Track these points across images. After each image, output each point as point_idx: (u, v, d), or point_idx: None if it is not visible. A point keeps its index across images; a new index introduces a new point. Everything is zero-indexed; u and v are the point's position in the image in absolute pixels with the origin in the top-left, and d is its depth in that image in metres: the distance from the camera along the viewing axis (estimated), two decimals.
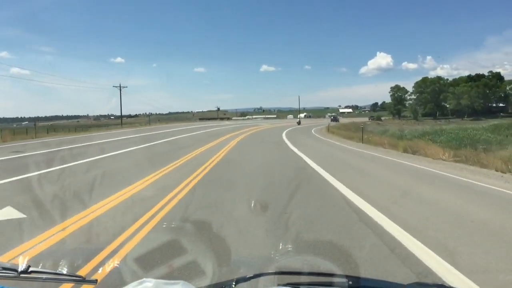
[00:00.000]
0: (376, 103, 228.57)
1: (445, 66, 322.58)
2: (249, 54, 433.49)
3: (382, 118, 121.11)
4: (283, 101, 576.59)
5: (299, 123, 75.28)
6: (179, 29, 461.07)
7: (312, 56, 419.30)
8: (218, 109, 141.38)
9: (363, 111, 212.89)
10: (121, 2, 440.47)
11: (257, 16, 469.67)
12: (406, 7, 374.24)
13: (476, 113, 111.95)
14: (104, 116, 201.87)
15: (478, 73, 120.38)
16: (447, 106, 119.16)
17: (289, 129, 53.98)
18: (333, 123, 69.95)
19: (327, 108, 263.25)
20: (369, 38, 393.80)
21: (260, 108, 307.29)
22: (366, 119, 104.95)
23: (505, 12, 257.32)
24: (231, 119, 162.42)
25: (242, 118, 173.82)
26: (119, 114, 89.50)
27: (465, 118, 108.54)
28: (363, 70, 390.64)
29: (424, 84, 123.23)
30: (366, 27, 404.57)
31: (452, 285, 3.22)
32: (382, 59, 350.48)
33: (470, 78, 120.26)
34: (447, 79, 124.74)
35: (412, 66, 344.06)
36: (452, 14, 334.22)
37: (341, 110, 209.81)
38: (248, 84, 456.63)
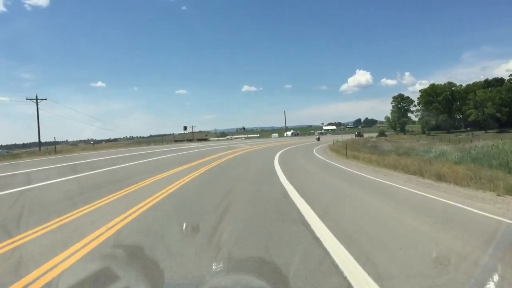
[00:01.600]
0: (359, 119, 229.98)
1: (423, 81, 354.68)
2: (231, 74, 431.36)
3: (386, 133, 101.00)
4: (265, 121, 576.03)
5: (318, 139, 69.30)
6: (160, 51, 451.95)
7: (292, 75, 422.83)
8: (185, 127, 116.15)
9: (346, 127, 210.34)
10: (100, 26, 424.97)
11: (238, 37, 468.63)
12: (384, 24, 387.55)
13: (499, 124, 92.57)
14: (84, 140, 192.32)
15: (496, 77, 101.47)
16: (467, 116, 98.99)
17: (283, 151, 40.36)
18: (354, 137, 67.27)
19: (310, 126, 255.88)
20: (348, 55, 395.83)
21: (243, 128, 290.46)
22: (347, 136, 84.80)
23: (480, 27, 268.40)
24: (209, 139, 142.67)
25: (221, 138, 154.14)
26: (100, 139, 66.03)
27: (490, 131, 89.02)
28: (343, 87, 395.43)
29: (433, 92, 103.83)
30: (345, 45, 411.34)
31: None
32: (362, 76, 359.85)
33: (487, 83, 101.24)
34: (461, 85, 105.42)
35: (391, 82, 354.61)
36: (429, 30, 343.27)
37: (324, 128, 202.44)
38: (230, 105, 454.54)
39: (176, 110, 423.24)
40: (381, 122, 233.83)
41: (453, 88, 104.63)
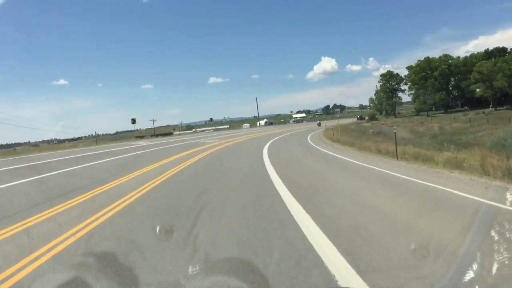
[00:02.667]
0: (328, 106, 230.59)
1: (387, 66, 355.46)
2: (197, 67, 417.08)
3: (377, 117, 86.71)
4: (234, 112, 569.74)
5: (319, 124, 63.25)
6: (123, 46, 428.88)
7: (259, 65, 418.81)
8: (133, 120, 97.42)
9: (316, 114, 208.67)
10: (60, 22, 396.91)
11: (203, 29, 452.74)
12: (347, 10, 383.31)
13: (505, 100, 79.74)
14: (47, 141, 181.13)
15: (498, 46, 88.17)
16: (466, 93, 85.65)
17: (269, 147, 27.48)
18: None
19: (279, 115, 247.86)
20: (313, 43, 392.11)
21: (210, 120, 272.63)
22: (333, 122, 69.42)
23: (439, 10, 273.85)
24: (173, 134, 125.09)
25: (187, 132, 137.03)
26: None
27: (500, 108, 75.97)
28: (309, 75, 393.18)
29: (428, 66, 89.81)
30: (310, 32, 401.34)
31: None
32: (327, 63, 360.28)
33: (488, 54, 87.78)
34: (458, 57, 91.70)
35: (356, 68, 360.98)
36: (390, 15, 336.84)
37: (294, 116, 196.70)
38: (197, 97, 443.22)
39: (143, 105, 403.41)
40: (350, 108, 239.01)
41: (450, 61, 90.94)
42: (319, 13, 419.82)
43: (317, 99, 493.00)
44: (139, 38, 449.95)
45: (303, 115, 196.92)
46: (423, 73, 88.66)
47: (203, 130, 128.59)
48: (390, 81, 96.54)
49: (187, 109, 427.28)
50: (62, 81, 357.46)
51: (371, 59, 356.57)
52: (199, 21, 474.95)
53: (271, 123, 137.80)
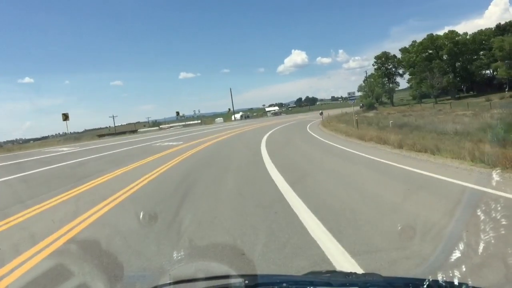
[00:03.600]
0: (300, 98, 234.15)
1: (356, 58, 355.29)
2: (167, 62, 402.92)
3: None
4: (206, 107, 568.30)
5: (321, 113, 48.89)
6: (90, 42, 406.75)
7: (230, 59, 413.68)
8: (66, 117, 79.67)
9: (289, 107, 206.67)
10: (24, 19, 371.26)
11: (171, 24, 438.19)
12: (315, 3, 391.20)
13: None
14: (11, 141, 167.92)
15: (510, 20, 75.79)
16: (475, 75, 73.13)
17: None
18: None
19: (251, 108, 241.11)
20: (283, 36, 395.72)
21: (183, 116, 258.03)
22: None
23: (406, 2, 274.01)
24: (137, 131, 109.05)
25: (152, 129, 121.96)
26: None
27: None
28: (280, 68, 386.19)
29: (432, 45, 76.77)
30: (279, 26, 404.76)
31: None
32: (297, 56, 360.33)
33: (501, 30, 75.28)
34: (465, 33, 78.51)
35: (326, 60, 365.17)
36: (358, 7, 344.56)
37: (267, 109, 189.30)
38: (168, 93, 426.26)
39: (112, 102, 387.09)
40: (322, 100, 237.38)
41: (457, 38, 78.21)
42: (288, 6, 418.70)
43: (288, 92, 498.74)
44: (107, 34, 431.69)
45: (276, 108, 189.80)
46: (426, 53, 75.73)
47: (170, 127, 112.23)
48: (385, 64, 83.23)
49: (158, 105, 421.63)
50: (27, 79, 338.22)
51: (340, 51, 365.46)
52: (167, 15, 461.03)
53: (248, 117, 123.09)
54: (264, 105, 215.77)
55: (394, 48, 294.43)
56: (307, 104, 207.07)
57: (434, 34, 79.01)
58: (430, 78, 71.62)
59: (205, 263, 3.91)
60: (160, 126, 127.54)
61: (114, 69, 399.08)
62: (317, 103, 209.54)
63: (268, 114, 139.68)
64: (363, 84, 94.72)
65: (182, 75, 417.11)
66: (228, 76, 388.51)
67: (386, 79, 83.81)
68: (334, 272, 1.71)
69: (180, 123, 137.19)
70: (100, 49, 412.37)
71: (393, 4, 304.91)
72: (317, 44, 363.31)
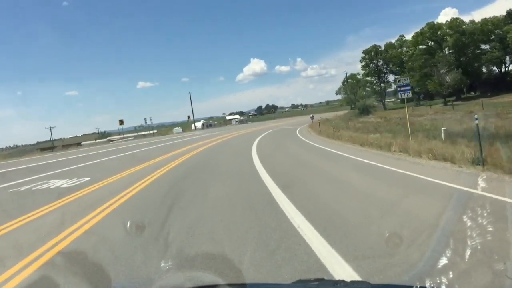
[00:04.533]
0: (261, 107, 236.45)
1: (314, 66, 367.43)
2: (124, 71, 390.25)
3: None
4: (165, 116, 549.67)
5: (312, 117, 42.85)
6: (43, 53, 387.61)
7: (189, 68, 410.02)
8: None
9: (250, 115, 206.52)
10: None
11: (127, 33, 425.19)
12: (275, 11, 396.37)
13: None
14: None
15: None
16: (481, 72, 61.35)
17: None
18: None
19: (211, 117, 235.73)
20: (242, 45, 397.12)
21: (141, 126, 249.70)
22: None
23: (361, 12, 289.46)
24: (80, 144, 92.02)
25: (100, 140, 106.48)
26: None
27: None
28: (239, 77, 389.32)
29: (434, 36, 64.15)
30: (238, 34, 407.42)
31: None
32: (256, 65, 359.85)
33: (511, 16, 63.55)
34: (473, 21, 65.43)
35: (284, 68, 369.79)
36: (315, 16, 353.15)
37: (228, 117, 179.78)
38: (126, 103, 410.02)
39: (67, 113, 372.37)
40: (282, 108, 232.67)
41: (464, 26, 65.02)
42: (246, 15, 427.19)
43: (248, 101, 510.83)
44: (61, 43, 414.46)
45: (237, 116, 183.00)
46: (426, 46, 63.03)
47: (121, 139, 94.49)
48: (374, 60, 69.84)
49: (115, 116, 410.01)
50: None
51: (298, 59, 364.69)
52: (122, 26, 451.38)
53: (210, 125, 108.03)
54: (224, 114, 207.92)
55: (349, 56, 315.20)
56: (267, 112, 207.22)
57: (434, 22, 66.40)
58: (438, 74, 58.60)
59: (193, 273, 3.87)
60: (109, 138, 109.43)
61: (70, 78, 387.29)
62: (277, 110, 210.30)
63: (233, 122, 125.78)
64: (343, 86, 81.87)
65: (141, 84, 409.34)
66: (187, 85, 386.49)
67: (376, 77, 70.82)
68: (322, 280, 1.71)
69: (133, 134, 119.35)
70: (55, 59, 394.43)
71: (349, 14, 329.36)
72: (275, 53, 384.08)
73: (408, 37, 69.29)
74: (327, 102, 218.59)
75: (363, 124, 34.62)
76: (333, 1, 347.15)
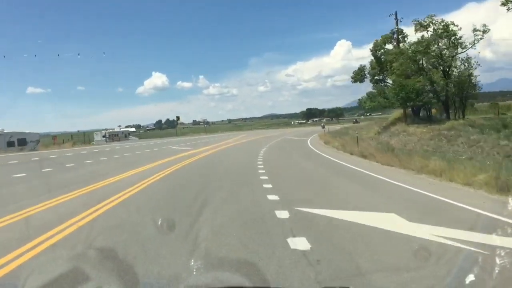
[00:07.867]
0: (160, 121, 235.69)
1: (216, 84, 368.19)
2: (11, 74, 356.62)
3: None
4: (58, 125, 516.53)
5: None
6: None
7: (86, 77, 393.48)
8: None
9: (147, 129, 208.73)
10: None
11: (20, 37, 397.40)
12: (176, 28, 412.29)
13: None
14: None
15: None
16: None
17: None
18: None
19: (106, 129, 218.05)
20: (144, 58, 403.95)
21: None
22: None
23: (264, 37, 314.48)
24: None
25: None
26: None
27: None
28: (140, 90, 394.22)
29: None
30: (141, 47, 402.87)
31: None
32: (158, 79, 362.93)
33: None
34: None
35: (187, 84, 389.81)
36: (220, 36, 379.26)
37: (122, 130, 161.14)
38: (14, 109, 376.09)
39: None
40: (183, 123, 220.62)
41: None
42: (149, 27, 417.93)
43: (148, 114, 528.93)
44: None
45: (133, 129, 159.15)
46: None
47: None
48: (382, 52, 41.29)
49: (4, 122, 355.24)
50: None
51: (201, 77, 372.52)
52: (16, 31, 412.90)
53: (116, 135, 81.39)
54: (119, 126, 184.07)
55: (252, 77, 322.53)
56: (167, 127, 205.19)
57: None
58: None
59: (219, 273, 3.85)
60: None
61: None
62: (178, 126, 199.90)
63: (95, 137, 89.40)
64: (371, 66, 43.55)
65: (30, 89, 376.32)
66: (83, 94, 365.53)
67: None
68: None
69: None
70: None
71: (253, 37, 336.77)
72: (178, 68, 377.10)
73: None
74: (229, 121, 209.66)
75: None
76: (238, 22, 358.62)
